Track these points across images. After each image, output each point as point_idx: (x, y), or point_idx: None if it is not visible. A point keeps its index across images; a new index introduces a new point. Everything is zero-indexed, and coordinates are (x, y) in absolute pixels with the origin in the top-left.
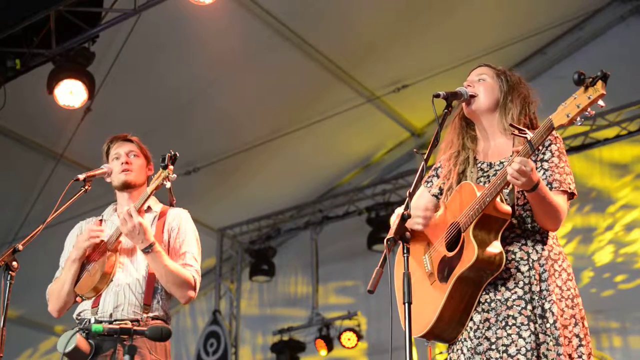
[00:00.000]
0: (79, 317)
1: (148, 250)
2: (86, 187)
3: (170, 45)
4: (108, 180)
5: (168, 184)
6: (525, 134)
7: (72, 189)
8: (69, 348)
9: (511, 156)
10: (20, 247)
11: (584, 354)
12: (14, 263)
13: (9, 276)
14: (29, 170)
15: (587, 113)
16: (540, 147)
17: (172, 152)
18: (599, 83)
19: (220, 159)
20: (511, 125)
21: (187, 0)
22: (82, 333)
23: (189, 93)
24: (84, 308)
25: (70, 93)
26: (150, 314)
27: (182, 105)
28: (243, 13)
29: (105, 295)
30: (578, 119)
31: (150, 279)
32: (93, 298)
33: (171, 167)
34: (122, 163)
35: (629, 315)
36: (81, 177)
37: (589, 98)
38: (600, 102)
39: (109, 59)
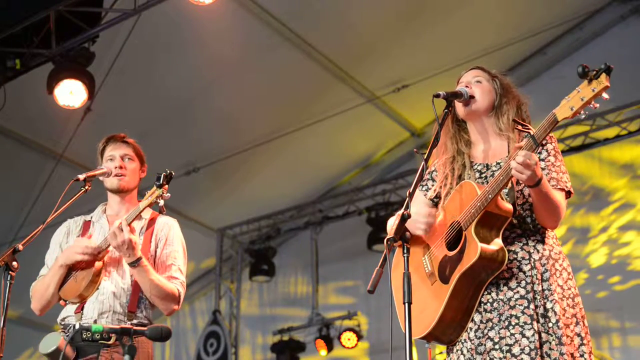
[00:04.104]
0: (63, 322)
1: (135, 264)
2: (86, 187)
3: (170, 45)
4: (101, 178)
5: (161, 202)
6: (529, 129)
7: (72, 189)
8: (50, 349)
9: (508, 156)
10: (20, 247)
11: (585, 352)
12: (14, 263)
13: (9, 276)
14: (29, 170)
15: (591, 106)
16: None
17: (168, 172)
18: (603, 75)
19: (220, 159)
20: (514, 120)
21: (187, 0)
22: (65, 337)
23: (189, 93)
24: (68, 314)
25: (70, 93)
26: (135, 321)
27: (182, 105)
28: (243, 13)
29: (89, 301)
30: (582, 112)
31: (136, 288)
32: (78, 304)
33: (166, 186)
34: (116, 167)
35: (623, 316)
36: (81, 177)
37: (593, 90)
38: (605, 95)
39: (109, 59)
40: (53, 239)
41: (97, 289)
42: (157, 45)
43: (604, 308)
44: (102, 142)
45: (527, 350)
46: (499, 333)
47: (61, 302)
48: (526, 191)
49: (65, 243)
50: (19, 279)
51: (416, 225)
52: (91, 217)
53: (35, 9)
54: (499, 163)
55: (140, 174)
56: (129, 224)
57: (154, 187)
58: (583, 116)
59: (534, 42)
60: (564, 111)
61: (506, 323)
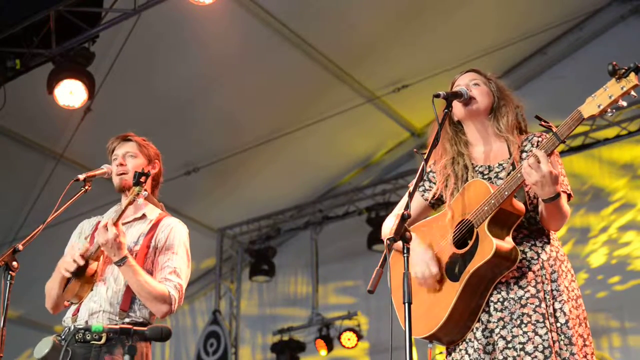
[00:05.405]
0: (63, 324)
1: (120, 263)
2: (86, 187)
3: (170, 45)
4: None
5: (140, 200)
6: (550, 125)
7: (72, 189)
8: (42, 354)
9: (510, 157)
10: (20, 247)
11: (587, 353)
12: (14, 263)
13: (9, 276)
14: (29, 170)
15: (619, 104)
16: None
17: (143, 170)
18: (632, 74)
19: (220, 159)
20: (537, 116)
21: (187, 0)
22: (58, 338)
23: (189, 93)
24: (67, 316)
25: (70, 93)
26: (127, 320)
27: (182, 105)
28: (243, 13)
29: (84, 303)
30: (609, 109)
31: (129, 287)
32: (76, 305)
33: (144, 184)
34: (117, 166)
35: (623, 316)
36: (81, 177)
37: (622, 89)
38: (633, 93)
39: (109, 59)
40: (71, 237)
41: (92, 289)
42: (157, 45)
43: (604, 308)
44: (109, 142)
45: (540, 348)
46: (511, 332)
47: (65, 302)
48: (532, 192)
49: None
50: (19, 279)
51: (416, 267)
52: (103, 218)
53: (35, 9)
54: (501, 164)
55: (150, 170)
56: (115, 223)
57: (132, 187)
58: (610, 114)
59: (534, 42)
60: (591, 108)
61: (518, 322)
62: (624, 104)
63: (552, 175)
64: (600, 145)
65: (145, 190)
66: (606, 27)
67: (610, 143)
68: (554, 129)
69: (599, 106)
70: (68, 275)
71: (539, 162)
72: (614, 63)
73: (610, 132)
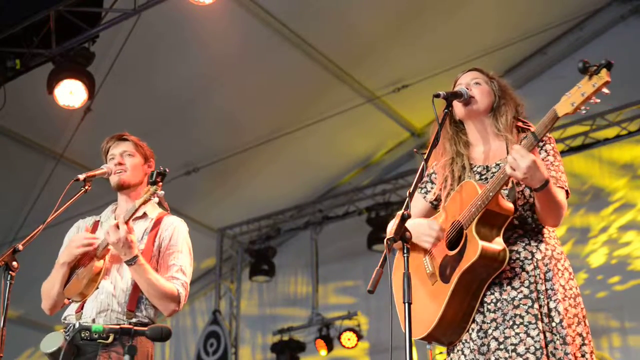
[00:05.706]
0: (65, 321)
1: (131, 262)
2: (86, 187)
3: (170, 45)
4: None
5: (156, 199)
6: (529, 126)
7: (72, 189)
8: (52, 349)
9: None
10: (20, 247)
11: (587, 352)
12: (14, 263)
13: (9, 276)
14: (29, 170)
15: (592, 101)
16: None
17: (162, 169)
18: (603, 71)
19: (220, 159)
20: (515, 118)
21: (187, 0)
22: (66, 336)
23: (189, 93)
24: (70, 313)
25: (70, 93)
26: (134, 320)
27: (182, 105)
28: (243, 13)
29: (89, 301)
30: (583, 107)
31: (135, 287)
32: (79, 302)
33: (160, 183)
34: (115, 164)
35: (623, 316)
36: (81, 177)
37: (594, 86)
38: (605, 90)
39: (109, 59)
40: (65, 238)
41: (97, 288)
42: (157, 45)
43: (604, 308)
44: (103, 143)
45: (532, 349)
46: (503, 333)
47: (65, 300)
48: (527, 192)
49: None
50: (19, 279)
51: (423, 238)
52: (100, 217)
53: (35, 9)
54: (498, 164)
55: (146, 169)
56: (126, 222)
57: (148, 186)
58: (584, 111)
59: (534, 42)
60: (565, 107)
61: (510, 322)
62: (598, 100)
63: (535, 163)
64: (600, 145)
65: (162, 190)
66: (606, 27)
67: (610, 143)
68: (532, 129)
69: (572, 104)
70: (87, 249)
71: (521, 156)
72: (585, 60)
73: (610, 132)
